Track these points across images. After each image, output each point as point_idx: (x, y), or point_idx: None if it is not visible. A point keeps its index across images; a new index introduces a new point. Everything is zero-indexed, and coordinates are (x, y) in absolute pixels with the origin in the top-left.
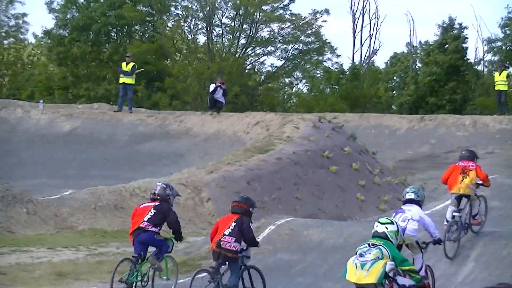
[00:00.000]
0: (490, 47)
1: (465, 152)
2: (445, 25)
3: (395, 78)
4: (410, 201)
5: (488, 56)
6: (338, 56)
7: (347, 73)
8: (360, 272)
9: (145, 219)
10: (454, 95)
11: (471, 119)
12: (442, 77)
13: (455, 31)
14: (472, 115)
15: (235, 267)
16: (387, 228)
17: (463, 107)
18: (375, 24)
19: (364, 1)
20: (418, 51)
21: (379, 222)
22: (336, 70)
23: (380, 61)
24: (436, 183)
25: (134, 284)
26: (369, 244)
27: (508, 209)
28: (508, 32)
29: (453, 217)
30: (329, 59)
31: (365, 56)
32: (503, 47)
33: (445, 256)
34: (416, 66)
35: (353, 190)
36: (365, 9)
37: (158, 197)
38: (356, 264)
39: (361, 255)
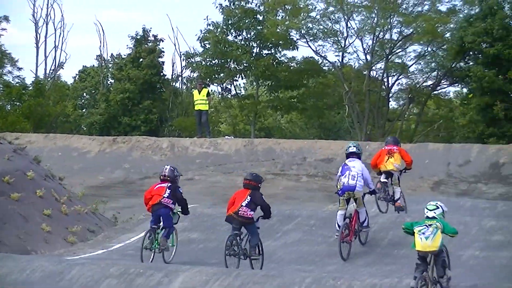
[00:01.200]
0: (188, 62)
1: (390, 138)
2: (138, 37)
3: (84, 94)
4: (353, 154)
5: (187, 72)
6: (19, 69)
7: (30, 88)
8: (425, 243)
9: (165, 195)
10: (150, 115)
11: (168, 142)
12: (136, 95)
13: (150, 44)
14: (170, 137)
15: (253, 229)
16: (435, 213)
17: (160, 128)
18: (60, 33)
19: (48, 8)
20: (110, 65)
21: (427, 208)
22: (17, 84)
23: (68, 75)
24: (131, 212)
25: (154, 250)
26: (425, 225)
27: (210, 241)
28: (208, 46)
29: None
30: (10, 72)
31: (50, 69)
32: (203, 63)
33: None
34: (108, 82)
35: (38, 220)
36: (49, 17)
37: (168, 178)
38: (421, 238)
39: (423, 232)
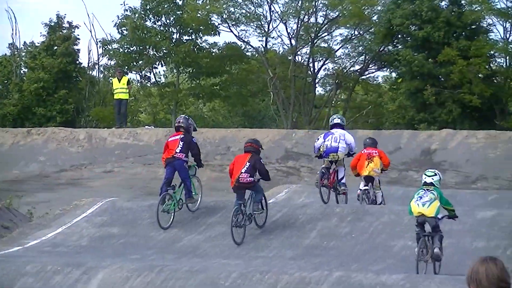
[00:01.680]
0: (105, 49)
1: (369, 140)
2: (52, 24)
3: None
4: (336, 126)
5: (104, 60)
6: None
7: None
8: (421, 208)
9: (177, 150)
10: (66, 105)
11: (85, 133)
12: (50, 84)
13: (65, 31)
14: (87, 128)
15: (257, 188)
16: (433, 179)
17: (77, 119)
18: None
19: None
20: (23, 54)
21: (426, 175)
22: None
23: None
24: (47, 207)
25: (173, 210)
26: (424, 190)
27: (131, 236)
28: (125, 32)
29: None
30: None
31: None
32: (120, 50)
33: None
34: (21, 71)
35: None
36: None
37: (182, 125)
38: (418, 204)
39: (420, 197)
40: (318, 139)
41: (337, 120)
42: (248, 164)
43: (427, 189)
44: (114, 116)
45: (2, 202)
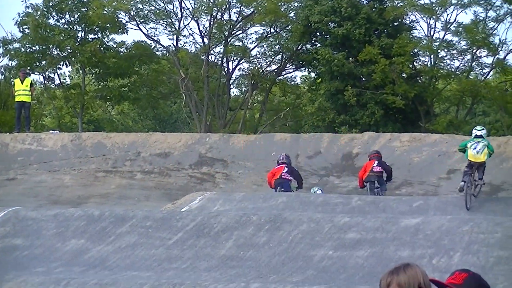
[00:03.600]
0: (6, 49)
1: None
2: None
3: None
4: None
5: (5, 61)
6: None
7: None
8: (477, 156)
9: (284, 171)
10: None
11: None
12: None
13: None
14: None
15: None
16: (482, 132)
17: None
18: None
19: None
20: None
21: (476, 129)
22: None
23: None
24: None
25: None
26: (475, 142)
27: (35, 248)
28: (27, 31)
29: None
30: None
31: None
32: (22, 49)
33: None
34: None
35: None
36: None
37: (285, 161)
38: (474, 152)
39: (475, 148)
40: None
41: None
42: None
43: (478, 141)
44: (15, 120)
45: None
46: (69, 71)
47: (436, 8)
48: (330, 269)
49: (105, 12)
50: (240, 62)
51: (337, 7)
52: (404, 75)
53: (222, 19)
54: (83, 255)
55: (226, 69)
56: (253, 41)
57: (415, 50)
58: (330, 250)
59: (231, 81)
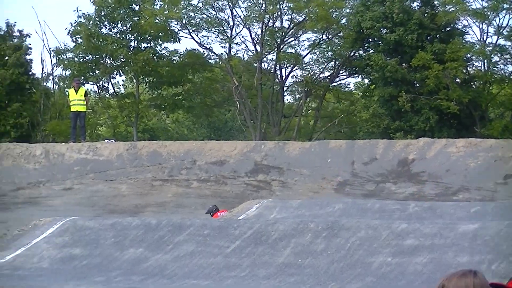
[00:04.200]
0: (59, 59)
1: None
2: (2, 33)
3: None
4: None
5: (58, 70)
6: None
7: None
8: None
9: None
10: (20, 119)
11: (42, 148)
12: (3, 97)
13: (15, 40)
14: (44, 142)
15: None
16: None
17: (32, 134)
18: None
19: None
20: None
21: None
22: None
23: None
24: (5, 228)
25: None
26: None
27: (93, 257)
28: (80, 41)
29: None
30: None
31: None
32: (75, 59)
33: None
34: None
35: None
36: None
37: None
38: None
39: None
40: None
41: None
42: None
43: None
44: (70, 130)
45: None
46: (123, 80)
47: (488, 13)
48: (389, 276)
49: (157, 21)
50: (293, 69)
51: (388, 13)
52: (457, 80)
53: (274, 26)
54: (142, 264)
55: (279, 76)
56: (305, 48)
57: (468, 55)
58: (388, 256)
59: (285, 88)
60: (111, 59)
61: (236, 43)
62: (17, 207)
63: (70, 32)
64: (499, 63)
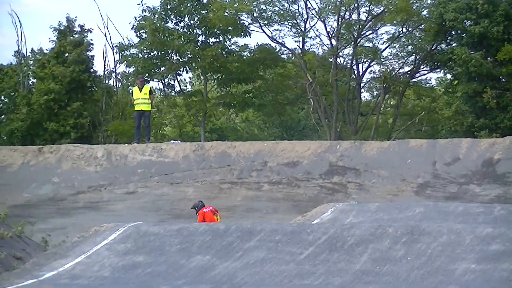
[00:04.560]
0: (122, 55)
1: None
2: (62, 28)
3: (2, 97)
4: None
5: (121, 67)
6: None
7: None
8: None
9: None
10: (80, 119)
11: (104, 150)
12: (62, 96)
13: (76, 36)
14: (106, 144)
15: None
16: None
17: (93, 134)
18: None
19: None
20: (30, 62)
21: None
22: None
23: None
24: (64, 234)
25: None
26: None
27: (158, 265)
28: (144, 36)
29: None
30: None
31: None
32: (140, 55)
33: None
34: (30, 82)
35: None
36: None
37: None
38: None
39: None
40: None
41: None
42: None
43: None
44: (134, 130)
45: (13, 229)
46: (189, 77)
47: None
48: (473, 283)
49: (226, 14)
50: (371, 64)
51: (472, 4)
52: None
53: (351, 19)
54: (210, 272)
55: (356, 72)
56: (384, 41)
57: None
58: (472, 263)
59: (362, 84)
60: (178, 55)
61: (310, 37)
62: (77, 212)
63: (134, 26)
64: None
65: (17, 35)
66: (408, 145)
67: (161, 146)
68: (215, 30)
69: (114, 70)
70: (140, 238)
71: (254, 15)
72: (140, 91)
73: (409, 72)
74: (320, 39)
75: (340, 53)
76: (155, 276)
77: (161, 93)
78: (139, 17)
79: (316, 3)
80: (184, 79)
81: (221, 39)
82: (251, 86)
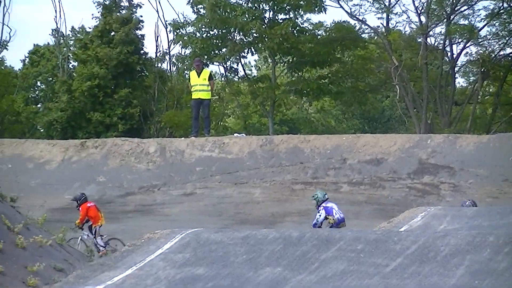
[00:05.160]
0: (177, 34)
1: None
2: (107, 3)
3: (39, 83)
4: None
5: (177, 49)
6: None
7: None
8: None
9: None
10: (129, 109)
11: (157, 144)
12: (108, 82)
13: (124, 12)
14: (159, 137)
15: None
16: None
17: (145, 126)
18: (1, 2)
19: None
20: (71, 43)
21: None
22: None
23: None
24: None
25: None
26: None
27: (221, 278)
28: (203, 11)
29: None
30: None
31: None
32: (197, 34)
33: None
34: (70, 65)
35: None
36: None
37: None
38: None
39: None
40: (320, 214)
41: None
42: None
43: None
44: (192, 122)
45: (53, 237)
46: (255, 60)
47: None
48: None
49: None
50: (467, 46)
51: None
52: None
53: None
54: (281, 286)
55: (449, 54)
56: (481, 18)
57: None
58: None
59: (456, 68)
60: (241, 34)
61: (396, 13)
62: (126, 216)
63: (191, 1)
64: None
65: (55, 10)
66: (510, 139)
67: (223, 140)
68: (285, 5)
69: (167, 51)
70: (200, 247)
71: None
72: (198, 76)
73: (511, 54)
74: (407, 15)
75: (431, 32)
76: None
77: (223, 79)
78: None
79: None
80: (249, 62)
81: (292, 15)
82: (327, 71)
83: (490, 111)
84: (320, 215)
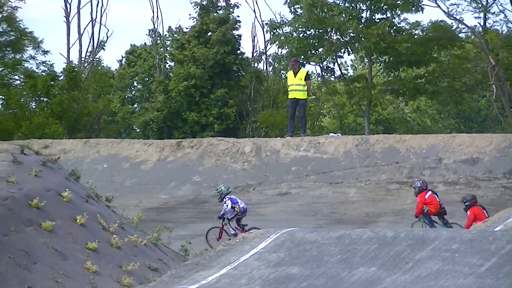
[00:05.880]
0: (274, 34)
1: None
2: (205, 3)
3: (135, 84)
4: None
5: (273, 49)
6: (45, 52)
7: (61, 78)
8: None
9: (441, 202)
10: (225, 109)
11: (252, 144)
12: (205, 82)
13: (221, 12)
14: (254, 137)
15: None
16: None
17: (240, 126)
18: (99, 2)
19: None
20: (167, 43)
21: None
22: (43, 73)
23: (111, 58)
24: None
25: None
26: None
27: (316, 278)
28: (300, 11)
29: None
30: (32, 57)
31: (86, 51)
32: (294, 35)
33: None
34: (167, 66)
35: (80, 256)
36: None
37: (426, 186)
38: None
39: None
40: (227, 203)
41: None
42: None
43: None
44: (288, 121)
45: (148, 236)
46: (351, 60)
47: None
48: None
49: None
50: None
51: None
52: None
53: None
54: (375, 286)
55: None
56: None
57: None
58: None
59: None
60: (338, 33)
61: (493, 13)
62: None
63: (288, 1)
64: None
65: (152, 10)
66: None
67: (319, 140)
68: (382, 4)
69: (264, 51)
70: (294, 247)
71: None
72: (295, 76)
73: None
74: (505, 14)
75: None
76: None
77: (319, 78)
78: None
79: None
80: (345, 62)
81: (388, 15)
82: (423, 70)
83: None
84: (227, 205)
